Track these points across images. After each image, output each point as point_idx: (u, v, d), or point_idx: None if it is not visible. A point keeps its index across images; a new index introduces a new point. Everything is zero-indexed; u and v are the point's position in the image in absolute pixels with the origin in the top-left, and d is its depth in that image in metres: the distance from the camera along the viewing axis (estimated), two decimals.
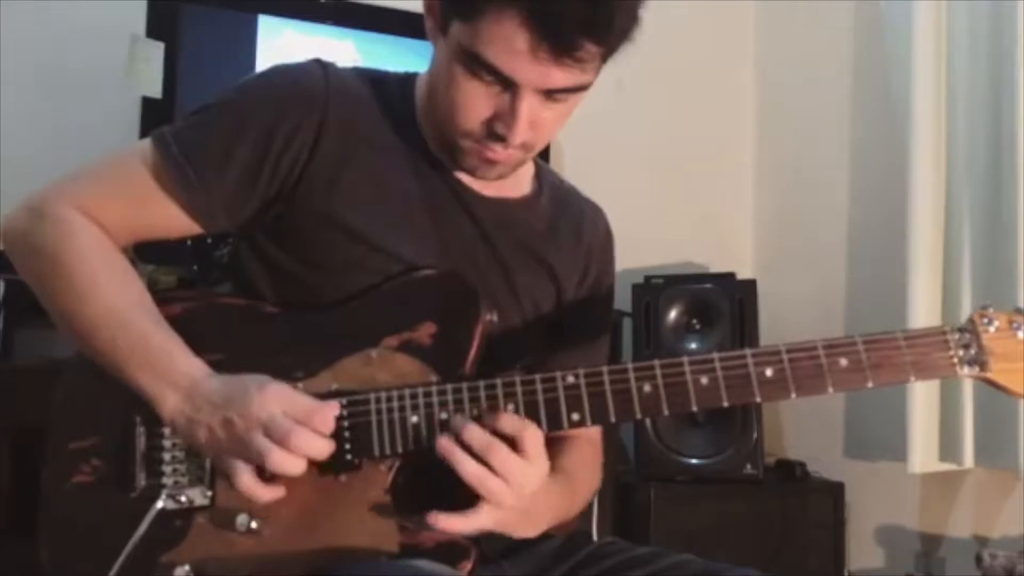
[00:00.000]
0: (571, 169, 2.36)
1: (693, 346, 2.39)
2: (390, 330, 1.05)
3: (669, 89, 2.92)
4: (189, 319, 1.08)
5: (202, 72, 2.12)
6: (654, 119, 2.91)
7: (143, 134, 1.96)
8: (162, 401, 1.01)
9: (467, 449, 0.97)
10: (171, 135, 1.10)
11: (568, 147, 2.59)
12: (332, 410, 0.99)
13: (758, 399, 1.00)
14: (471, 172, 1.13)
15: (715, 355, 1.00)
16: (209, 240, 1.69)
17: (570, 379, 1.00)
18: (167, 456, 1.05)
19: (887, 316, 2.34)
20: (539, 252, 1.21)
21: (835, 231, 2.71)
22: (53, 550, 1.06)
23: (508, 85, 1.02)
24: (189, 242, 1.56)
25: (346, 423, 1.01)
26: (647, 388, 1.00)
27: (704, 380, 0.99)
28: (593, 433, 1.26)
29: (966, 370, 1.00)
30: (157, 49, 2.06)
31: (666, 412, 1.01)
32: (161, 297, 1.09)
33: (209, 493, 1.03)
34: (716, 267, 2.72)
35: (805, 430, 2.74)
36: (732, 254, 2.92)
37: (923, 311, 2.19)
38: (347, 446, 1.01)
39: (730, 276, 2.52)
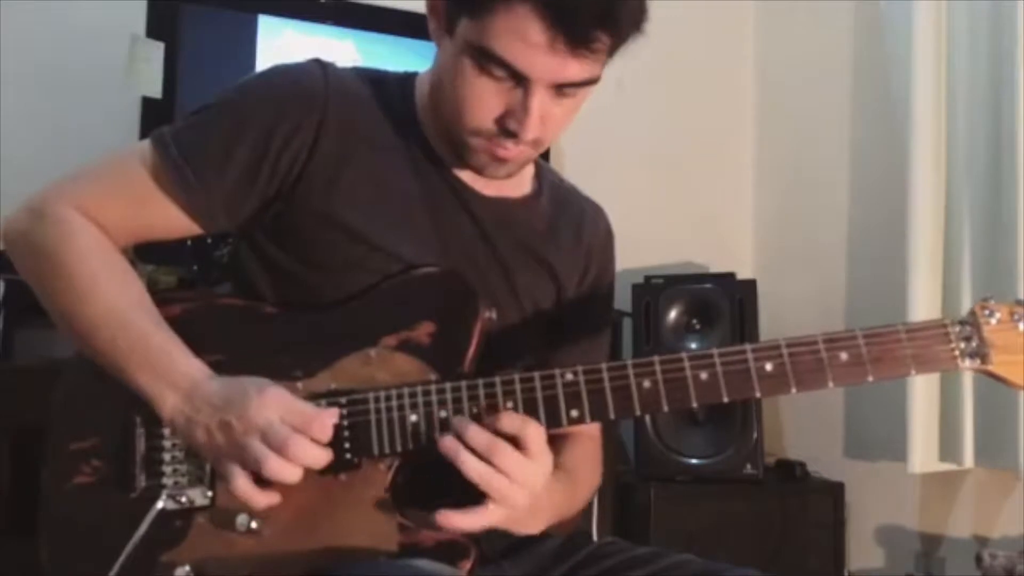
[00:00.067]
0: (571, 169, 2.35)
1: (693, 346, 2.39)
2: (389, 329, 1.05)
3: (669, 89, 2.92)
4: (188, 320, 1.08)
5: (202, 72, 2.12)
6: (654, 119, 2.91)
7: (143, 134, 1.96)
8: (162, 401, 1.01)
9: (470, 449, 0.97)
10: (170, 135, 1.10)
11: (568, 147, 2.59)
12: (331, 418, 0.99)
13: (758, 394, 1.00)
14: (480, 171, 1.13)
15: (714, 350, 1.00)
16: (209, 240, 1.69)
17: (569, 376, 1.00)
18: (167, 456, 1.05)
19: (887, 316, 2.31)
20: (539, 252, 1.21)
21: (835, 231, 2.71)
22: (53, 550, 1.06)
23: (519, 80, 1.02)
24: (189, 242, 1.56)
25: (345, 423, 1.01)
26: (646, 384, 0.99)
27: (704, 376, 0.99)
28: (594, 430, 1.26)
29: (967, 363, 0.99)
30: (157, 49, 2.06)
31: (666, 408, 1.00)
32: (161, 298, 1.09)
33: (209, 493, 1.03)
34: (716, 267, 2.72)
35: (805, 430, 2.74)
36: (732, 254, 2.92)
37: (923, 311, 2.19)
38: (346, 445, 1.01)
39: (730, 276, 2.52)
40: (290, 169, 1.09)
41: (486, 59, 1.01)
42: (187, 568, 1.02)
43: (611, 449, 2.31)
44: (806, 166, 2.89)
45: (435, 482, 0.99)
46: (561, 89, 1.03)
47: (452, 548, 1.00)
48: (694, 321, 2.43)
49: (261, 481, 0.98)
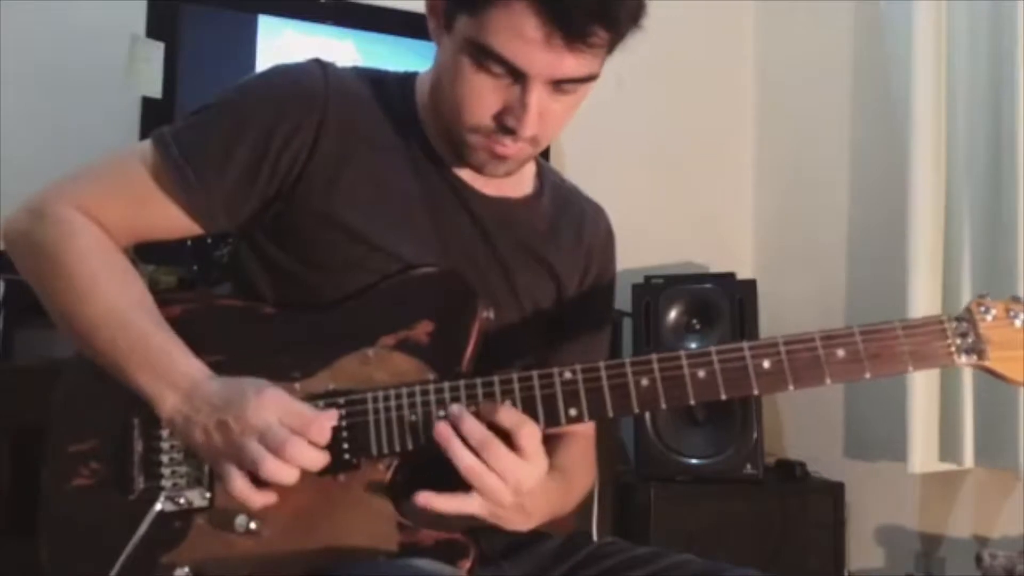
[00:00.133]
0: (571, 169, 2.36)
1: (693, 346, 2.36)
2: (387, 329, 1.05)
3: (669, 89, 2.92)
4: (188, 320, 1.08)
5: (202, 72, 2.12)
6: (654, 119, 2.91)
7: (143, 134, 1.97)
8: (161, 401, 1.02)
9: (464, 442, 0.97)
10: (171, 135, 1.10)
11: (568, 146, 2.59)
12: (329, 420, 0.99)
13: (756, 391, 1.00)
14: (479, 169, 1.12)
15: (712, 348, 1.00)
16: (209, 240, 1.69)
17: (567, 375, 1.00)
18: (165, 458, 1.05)
19: (887, 316, 2.28)
20: (539, 252, 1.21)
21: (835, 231, 2.71)
22: (53, 550, 1.06)
23: (517, 76, 1.02)
24: (189, 242, 1.56)
25: (344, 423, 1.01)
26: (644, 382, 1.00)
27: (701, 373, 0.99)
28: (588, 430, 1.26)
29: (964, 359, 1.00)
30: (157, 49, 2.06)
31: (664, 406, 1.00)
32: (161, 298, 1.09)
33: (208, 494, 1.04)
34: (716, 267, 2.72)
35: (805, 430, 2.74)
36: (732, 254, 2.92)
37: (923, 311, 2.19)
38: (345, 446, 1.01)
39: (730, 276, 2.52)
40: (290, 169, 1.09)
41: (484, 56, 1.01)
42: (186, 569, 1.02)
43: (611, 449, 2.32)
44: (806, 166, 2.89)
45: (434, 482, 0.99)
46: (559, 85, 1.03)
47: (452, 547, 1.00)
48: (694, 321, 2.43)
49: (258, 482, 0.98)
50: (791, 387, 0.99)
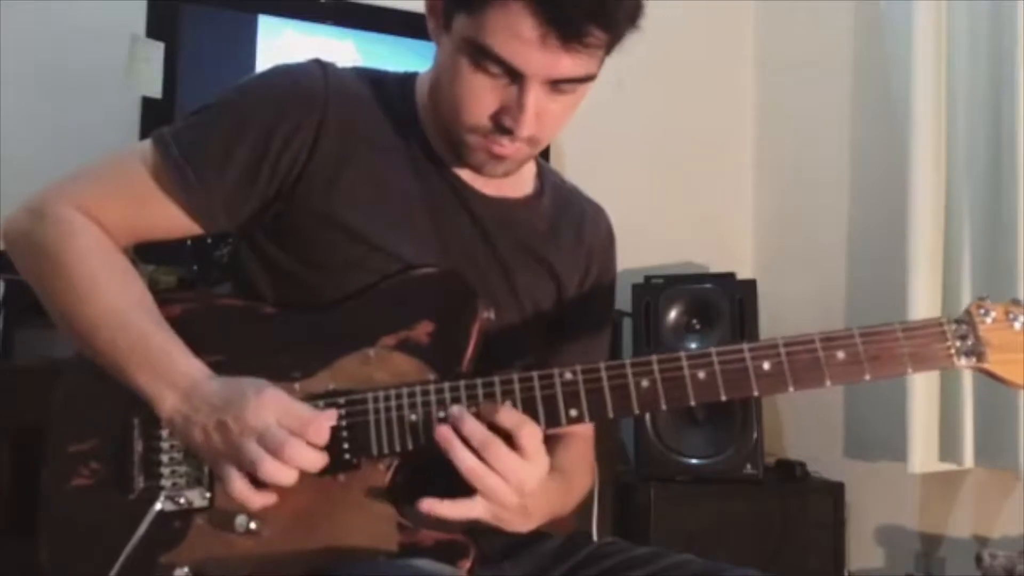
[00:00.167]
0: (571, 169, 2.36)
1: (693, 346, 2.38)
2: (388, 329, 1.05)
3: (669, 89, 2.92)
4: (188, 320, 1.08)
5: (202, 72, 2.12)
6: (654, 119, 2.91)
7: (143, 134, 1.97)
8: (161, 401, 1.02)
9: (465, 443, 0.97)
10: (171, 135, 1.10)
11: (568, 147, 2.59)
12: (328, 421, 0.99)
13: (756, 393, 1.00)
14: (478, 169, 1.13)
15: (712, 350, 1.00)
16: (209, 240, 1.69)
17: (567, 376, 1.00)
18: (165, 458, 1.05)
19: (887, 316, 2.30)
20: (540, 252, 1.21)
21: (835, 231, 2.71)
22: (53, 550, 1.06)
23: (515, 76, 1.02)
24: (189, 242, 1.56)
25: (344, 423, 1.01)
26: (645, 383, 1.00)
27: (701, 374, 0.99)
28: (586, 431, 1.26)
29: (963, 361, 1.00)
30: (157, 49, 2.06)
31: (664, 407, 1.00)
32: (161, 298, 1.09)
33: (208, 494, 1.04)
34: (716, 267, 2.72)
35: (805, 430, 2.74)
36: (732, 254, 2.92)
37: (923, 311, 2.19)
38: (345, 446, 1.01)
39: (730, 276, 2.52)
40: (290, 169, 1.09)
41: (481, 55, 1.01)
42: (186, 569, 1.02)
43: (611, 449, 2.32)
44: (806, 166, 2.89)
45: (434, 482, 0.99)
46: (557, 85, 1.03)
47: (452, 548, 1.00)
48: (694, 321, 2.43)
49: (257, 482, 0.98)
50: (791, 388, 0.99)
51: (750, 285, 2.46)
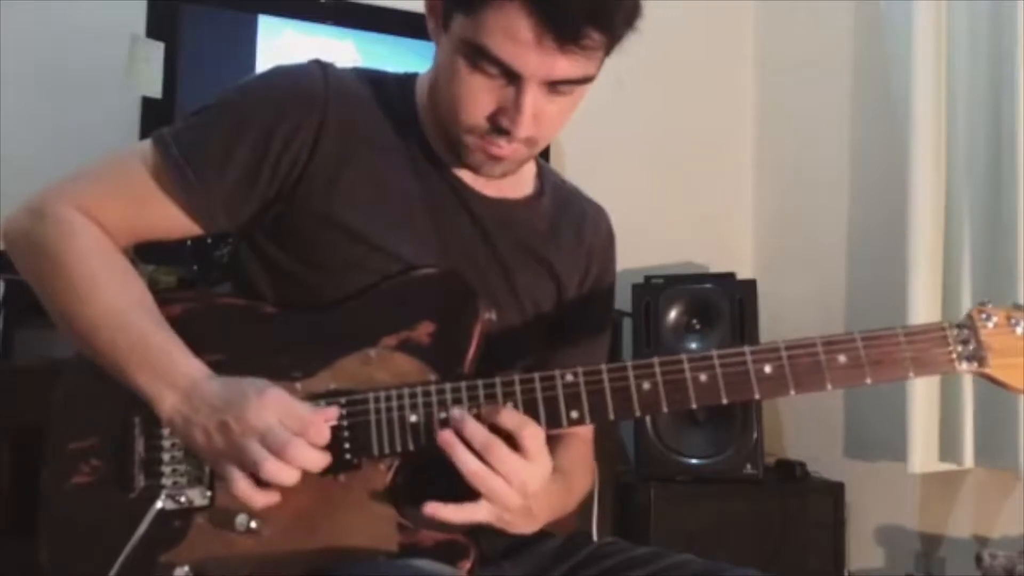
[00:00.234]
0: (571, 169, 2.36)
1: (693, 346, 2.39)
2: (389, 329, 1.05)
3: (669, 89, 2.92)
4: (188, 319, 1.08)
5: (202, 72, 2.12)
6: (654, 119, 2.91)
7: (143, 134, 1.97)
8: (161, 401, 1.02)
9: (468, 445, 0.97)
10: (171, 136, 1.10)
11: (568, 146, 2.59)
12: (328, 419, 0.99)
13: (757, 396, 1.00)
14: (476, 169, 1.13)
15: (714, 352, 1.00)
16: (209, 240, 1.69)
17: (569, 377, 1.00)
18: (166, 457, 1.05)
19: (887, 316, 2.34)
20: (540, 252, 1.21)
21: (835, 231, 2.71)
22: (53, 550, 1.06)
23: (512, 78, 1.02)
24: (189, 242, 1.56)
25: (345, 423, 1.01)
26: (646, 386, 1.00)
27: (703, 377, 0.99)
28: (586, 432, 1.26)
29: (964, 365, 1.00)
30: (157, 49, 2.06)
31: (665, 410, 1.01)
32: (161, 298, 1.09)
33: (208, 493, 1.04)
34: (716, 267, 2.72)
35: (805, 430, 2.74)
36: (732, 254, 2.92)
37: (923, 311, 2.19)
38: (346, 446, 1.01)
39: (730, 276, 2.51)
40: (290, 170, 1.09)
41: (479, 56, 1.01)
42: (186, 568, 1.02)
43: (611, 449, 2.32)
44: (806, 166, 2.89)
45: (435, 482, 0.99)
46: (554, 87, 1.03)
47: (452, 548, 1.00)
48: (694, 321, 2.43)
49: (259, 482, 0.98)
50: (792, 392, 0.99)
51: (750, 285, 2.46)
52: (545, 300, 1.22)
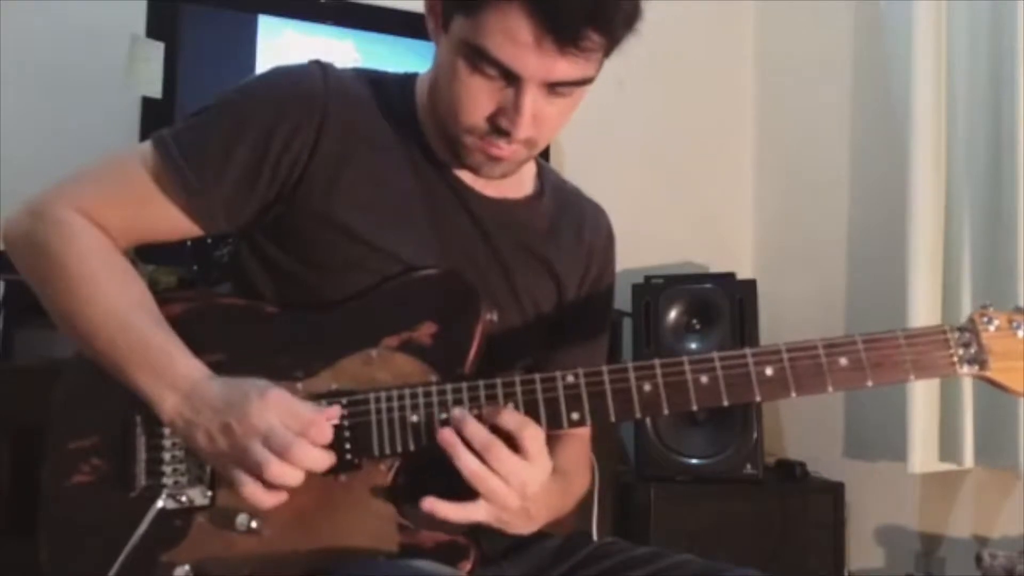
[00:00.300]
0: (571, 169, 2.36)
1: (693, 346, 2.39)
2: (390, 330, 1.05)
3: (669, 89, 2.92)
4: (189, 319, 1.08)
5: (202, 72, 2.12)
6: (654, 118, 2.91)
7: (143, 134, 1.97)
8: (161, 402, 1.02)
9: (467, 445, 0.97)
10: (170, 137, 1.10)
11: (568, 146, 2.59)
12: (332, 416, 0.99)
13: (758, 398, 1.00)
14: (475, 170, 1.13)
15: (715, 354, 1.00)
16: (209, 240, 1.69)
17: (570, 379, 1.00)
18: (167, 456, 1.05)
19: (887, 316, 2.34)
20: (540, 252, 1.22)
21: (835, 231, 2.71)
22: (53, 550, 1.06)
23: (511, 79, 1.02)
24: (189, 242, 1.55)
25: (346, 423, 1.01)
26: (647, 387, 1.00)
27: (704, 379, 1.00)
28: (584, 432, 1.26)
29: (966, 369, 1.00)
30: (157, 49, 2.06)
31: (666, 411, 1.01)
32: (161, 297, 1.09)
33: (209, 493, 1.04)
34: (716, 267, 2.72)
35: (805, 430, 2.74)
36: (732, 254, 2.92)
37: (923, 311, 2.19)
38: (347, 446, 1.01)
39: (730, 276, 2.51)
40: (290, 171, 1.09)
41: (478, 58, 1.01)
42: (187, 568, 1.02)
43: (611, 449, 2.31)
44: (806, 166, 2.88)
45: (435, 483, 0.99)
46: (554, 88, 1.03)
47: (452, 549, 1.00)
48: (694, 321, 2.43)
49: (265, 483, 0.98)
50: (793, 394, 0.99)
51: (750, 285, 2.46)
52: (545, 300, 1.22)
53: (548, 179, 1.28)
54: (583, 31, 0.98)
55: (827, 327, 2.15)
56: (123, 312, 1.04)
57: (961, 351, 1.00)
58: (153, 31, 2.09)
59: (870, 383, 0.99)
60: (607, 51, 1.03)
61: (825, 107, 2.77)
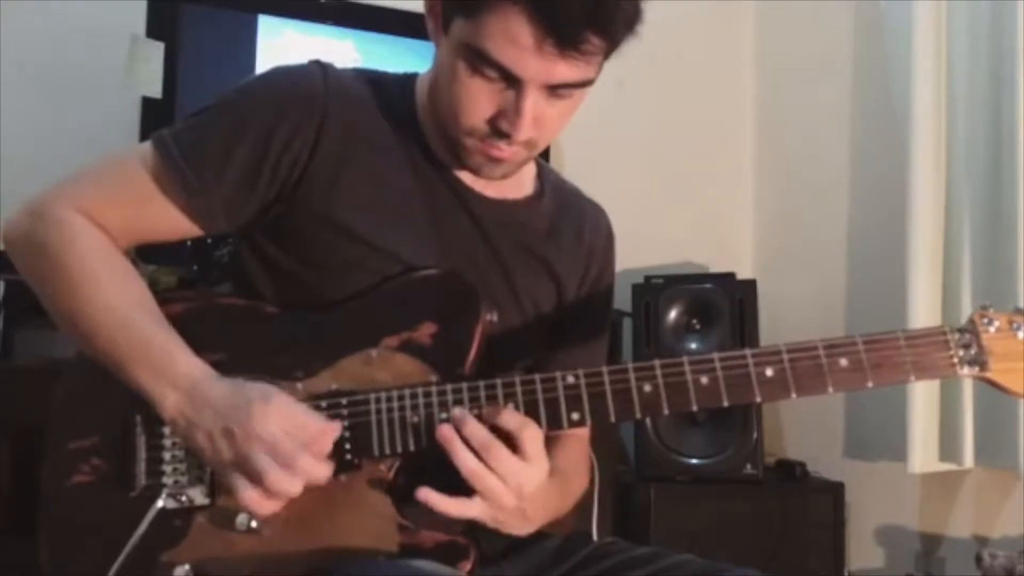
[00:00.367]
0: (571, 169, 2.35)
1: (693, 346, 2.39)
2: (390, 330, 1.06)
3: (669, 89, 2.92)
4: (189, 319, 1.08)
5: (202, 72, 2.12)
6: (654, 119, 2.91)
7: (143, 134, 1.97)
8: (162, 400, 1.02)
9: (467, 444, 0.97)
10: (170, 137, 1.10)
11: (568, 147, 2.59)
12: (332, 434, 1.00)
13: (758, 399, 1.00)
14: (475, 171, 1.13)
15: (715, 355, 1.00)
16: (209, 240, 1.69)
17: (570, 379, 1.00)
18: (167, 456, 1.05)
19: (887, 316, 2.34)
20: (540, 252, 1.22)
21: (835, 231, 2.71)
22: (53, 550, 1.06)
23: (512, 81, 1.02)
24: (189, 242, 1.55)
25: (346, 423, 1.01)
26: (647, 388, 1.00)
27: (704, 380, 1.00)
28: (583, 432, 1.26)
29: (966, 370, 1.00)
30: (157, 49, 2.06)
31: (666, 412, 1.01)
32: (161, 297, 1.09)
33: (209, 493, 1.04)
34: (716, 267, 2.72)
35: (805, 430, 2.74)
36: (732, 254, 2.92)
37: (923, 311, 2.19)
38: (347, 446, 1.01)
39: (730, 276, 2.51)
40: (290, 171, 1.09)
41: (479, 60, 1.01)
42: (187, 567, 1.02)
43: (611, 449, 2.31)
44: (806, 166, 2.88)
45: (435, 483, 0.99)
46: (554, 90, 1.03)
47: (452, 549, 1.00)
48: (694, 321, 2.43)
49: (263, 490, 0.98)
50: (793, 395, 0.99)
51: (750, 285, 2.46)
52: (545, 300, 1.22)
53: (548, 179, 1.28)
54: (583, 34, 0.98)
55: (827, 327, 2.15)
56: (124, 311, 1.04)
57: (961, 352, 1.00)
58: (153, 31, 2.09)
59: (870, 384, 0.99)
60: (607, 53, 1.03)
61: (825, 107, 2.77)
